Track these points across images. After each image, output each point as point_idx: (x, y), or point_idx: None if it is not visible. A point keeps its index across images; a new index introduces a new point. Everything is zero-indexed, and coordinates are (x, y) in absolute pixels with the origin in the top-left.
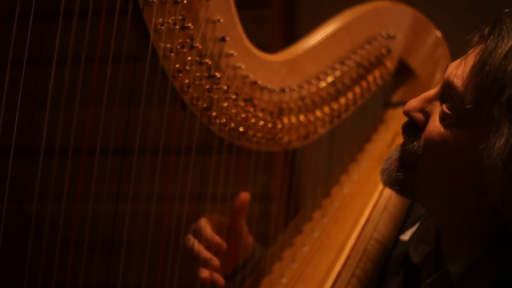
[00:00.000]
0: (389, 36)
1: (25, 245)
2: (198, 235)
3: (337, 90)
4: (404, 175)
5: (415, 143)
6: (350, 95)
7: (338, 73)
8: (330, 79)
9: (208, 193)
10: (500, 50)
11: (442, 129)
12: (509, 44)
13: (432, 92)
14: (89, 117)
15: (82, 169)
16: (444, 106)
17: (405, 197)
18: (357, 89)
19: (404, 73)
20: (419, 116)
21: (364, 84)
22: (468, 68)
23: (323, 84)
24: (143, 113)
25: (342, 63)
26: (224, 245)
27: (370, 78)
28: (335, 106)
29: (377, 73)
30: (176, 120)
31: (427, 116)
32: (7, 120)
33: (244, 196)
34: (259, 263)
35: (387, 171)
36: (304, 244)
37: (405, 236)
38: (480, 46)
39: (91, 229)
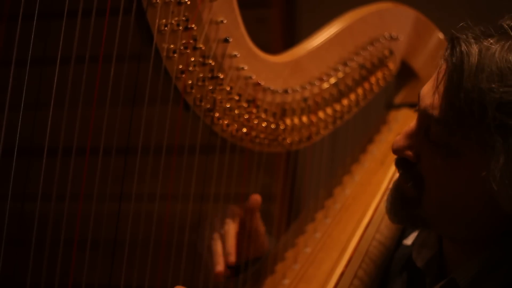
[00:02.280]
0: (391, 38)
1: (28, 245)
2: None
3: (340, 92)
4: (411, 210)
5: (414, 178)
6: (352, 96)
7: (340, 75)
8: (332, 80)
9: (211, 193)
10: (467, 71)
11: (437, 163)
12: (474, 61)
13: (413, 125)
14: (92, 117)
15: (85, 169)
16: (431, 138)
17: (419, 229)
18: (359, 91)
19: (406, 75)
20: (409, 154)
21: (366, 85)
22: (442, 96)
23: (325, 85)
24: (146, 113)
25: (345, 64)
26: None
27: (373, 79)
28: (337, 107)
29: (379, 74)
30: (178, 121)
31: (417, 151)
32: (10, 120)
33: (255, 198)
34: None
35: (392, 210)
36: (307, 245)
37: (408, 241)
38: (446, 68)
39: (94, 229)
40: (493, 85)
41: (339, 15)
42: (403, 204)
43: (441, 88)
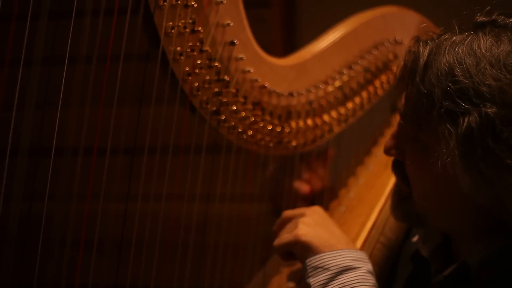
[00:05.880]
0: (396, 42)
1: (35, 245)
2: None
3: (345, 95)
4: (406, 207)
5: (404, 176)
6: (357, 99)
7: (345, 78)
8: (337, 83)
9: (217, 193)
10: (419, 69)
11: (412, 158)
12: (424, 60)
13: (395, 127)
14: (99, 117)
15: (92, 169)
16: (405, 135)
17: (417, 227)
18: (364, 94)
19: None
20: (394, 152)
21: (371, 89)
22: (404, 95)
23: (330, 88)
24: (153, 114)
25: (350, 68)
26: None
27: (377, 83)
28: (342, 110)
29: (384, 78)
30: (185, 123)
31: (403, 150)
32: (18, 120)
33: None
34: None
35: (393, 208)
36: None
37: (415, 238)
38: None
39: (100, 229)
40: (441, 78)
41: (339, 15)
42: (400, 202)
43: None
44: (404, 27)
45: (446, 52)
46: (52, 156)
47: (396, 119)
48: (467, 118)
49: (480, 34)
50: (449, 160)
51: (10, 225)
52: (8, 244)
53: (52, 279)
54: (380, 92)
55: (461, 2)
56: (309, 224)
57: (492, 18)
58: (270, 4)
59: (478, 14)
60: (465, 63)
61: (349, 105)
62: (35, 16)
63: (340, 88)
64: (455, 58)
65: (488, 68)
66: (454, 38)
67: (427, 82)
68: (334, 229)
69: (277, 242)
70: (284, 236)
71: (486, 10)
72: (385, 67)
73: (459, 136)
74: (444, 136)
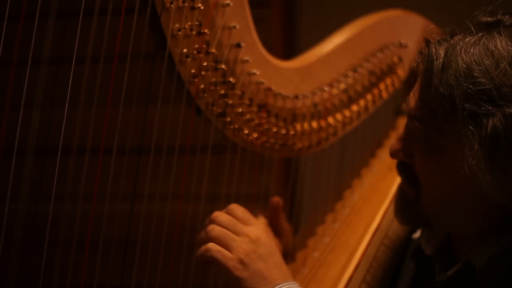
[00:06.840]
0: (400, 45)
1: (40, 245)
2: None
3: (349, 98)
4: (413, 210)
5: (411, 178)
6: (362, 102)
7: (350, 81)
8: (342, 86)
9: (222, 193)
10: (436, 70)
11: (425, 160)
12: (441, 61)
13: (403, 129)
14: (106, 117)
15: (98, 169)
16: (417, 138)
17: (425, 229)
18: (369, 97)
19: (415, 82)
20: (403, 155)
21: (375, 91)
22: (419, 97)
23: (335, 91)
24: (159, 114)
25: (355, 70)
26: None
27: (382, 86)
28: (347, 113)
29: (388, 81)
30: (191, 124)
31: (410, 152)
32: (24, 119)
33: (275, 200)
34: None
35: (398, 212)
36: (315, 249)
37: (416, 234)
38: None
39: (106, 229)
40: (460, 79)
41: (339, 15)
42: (405, 205)
43: (418, 90)
44: (409, 31)
45: (462, 53)
46: (59, 156)
47: (402, 121)
48: (491, 119)
49: (495, 34)
50: (474, 162)
51: (16, 225)
52: (14, 243)
53: (57, 279)
54: (384, 94)
55: (465, 6)
56: (250, 256)
57: (498, 18)
58: (270, 4)
59: (482, 15)
60: (484, 64)
61: (354, 107)
62: (43, 15)
63: (345, 90)
64: (472, 59)
65: (508, 68)
66: (468, 38)
67: (446, 83)
68: (271, 263)
69: (207, 252)
70: (218, 254)
71: (489, 10)
72: (390, 70)
73: (484, 138)
74: (467, 138)
